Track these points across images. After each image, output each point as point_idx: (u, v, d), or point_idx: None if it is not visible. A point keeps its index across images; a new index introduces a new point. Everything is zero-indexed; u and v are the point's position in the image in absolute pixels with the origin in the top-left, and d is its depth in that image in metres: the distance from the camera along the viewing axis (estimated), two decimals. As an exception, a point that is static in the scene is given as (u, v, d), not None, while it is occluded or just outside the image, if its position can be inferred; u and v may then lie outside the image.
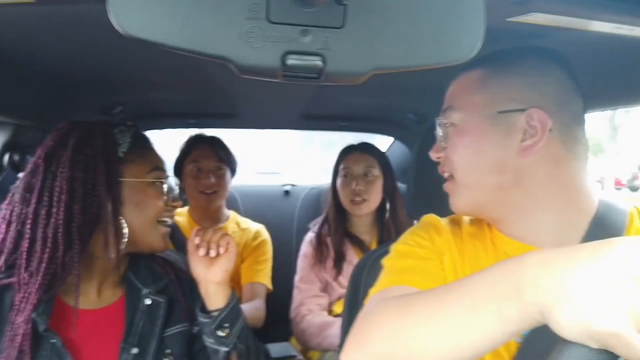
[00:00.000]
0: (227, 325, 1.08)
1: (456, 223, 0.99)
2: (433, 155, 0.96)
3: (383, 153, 2.04)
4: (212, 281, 1.08)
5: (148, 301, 1.07)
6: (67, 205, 0.94)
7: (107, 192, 0.98)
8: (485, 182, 0.86)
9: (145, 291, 1.08)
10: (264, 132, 3.02)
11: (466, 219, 1.00)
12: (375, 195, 1.94)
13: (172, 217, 1.11)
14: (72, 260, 0.94)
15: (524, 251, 0.83)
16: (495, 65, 0.85)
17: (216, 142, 2.06)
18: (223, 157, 2.04)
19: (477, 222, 0.97)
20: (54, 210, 0.94)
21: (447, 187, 0.93)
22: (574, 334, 0.49)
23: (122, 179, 1.02)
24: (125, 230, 1.02)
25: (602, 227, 0.84)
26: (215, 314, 1.07)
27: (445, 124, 0.92)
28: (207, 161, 2.00)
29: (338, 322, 1.75)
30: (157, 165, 1.08)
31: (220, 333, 1.07)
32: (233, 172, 2.11)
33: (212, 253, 1.08)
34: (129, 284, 1.09)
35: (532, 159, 0.82)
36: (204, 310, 1.10)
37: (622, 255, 0.49)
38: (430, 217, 1.01)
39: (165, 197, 1.08)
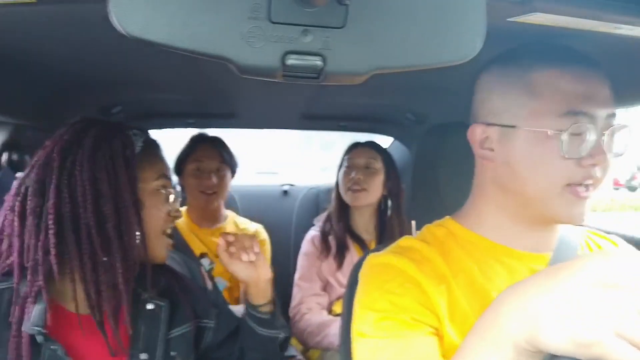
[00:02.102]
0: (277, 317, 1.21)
1: (422, 256, 0.87)
2: (608, 158, 0.80)
3: (388, 152, 2.06)
4: (264, 279, 1.19)
5: (150, 305, 1.05)
6: (95, 206, 0.91)
7: (130, 194, 0.96)
8: None
9: (145, 295, 1.05)
10: (264, 132, 3.03)
11: (419, 245, 0.90)
12: (375, 187, 1.96)
13: (171, 226, 1.10)
14: (114, 261, 0.93)
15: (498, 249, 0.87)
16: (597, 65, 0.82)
17: (219, 143, 2.06)
18: (225, 158, 2.04)
19: (434, 242, 0.91)
20: (81, 210, 0.90)
21: (589, 195, 0.81)
22: (564, 351, 0.51)
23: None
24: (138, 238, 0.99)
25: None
26: (269, 307, 1.20)
27: (618, 129, 0.82)
28: (209, 161, 1.99)
29: (337, 321, 1.75)
30: (164, 173, 1.07)
31: (282, 320, 1.21)
32: (233, 173, 2.11)
33: (246, 258, 1.16)
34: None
35: None
36: (255, 307, 1.20)
37: (586, 268, 0.52)
38: (393, 261, 0.86)
39: (169, 208, 1.06)
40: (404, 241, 0.93)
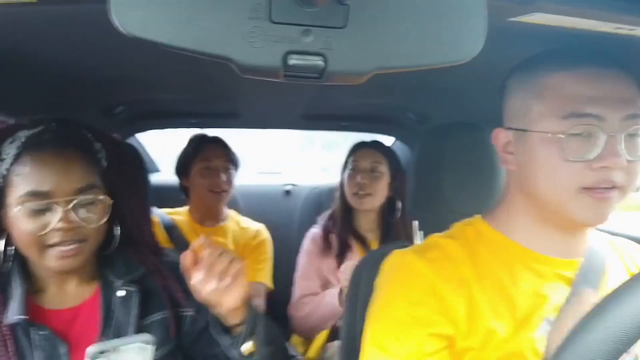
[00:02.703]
0: (251, 337, 1.04)
1: (446, 256, 0.88)
2: (619, 162, 0.77)
3: (393, 152, 2.04)
4: (229, 308, 1.01)
5: (121, 292, 1.05)
6: None
7: None
8: None
9: (118, 283, 1.05)
10: (265, 132, 3.02)
11: (446, 244, 0.90)
12: (380, 191, 1.95)
13: (65, 240, 0.96)
14: None
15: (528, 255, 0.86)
16: (618, 64, 0.80)
17: (224, 142, 2.09)
18: (232, 157, 2.08)
19: (463, 241, 0.90)
20: None
21: (608, 196, 0.79)
22: None
23: (3, 203, 0.96)
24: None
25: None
26: (237, 330, 1.04)
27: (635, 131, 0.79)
28: (218, 160, 2.02)
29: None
30: (32, 190, 0.93)
31: (243, 349, 1.03)
32: (236, 171, 2.14)
33: (222, 284, 0.97)
34: (103, 278, 1.07)
35: None
36: (224, 328, 1.06)
37: None
38: (413, 263, 0.87)
39: (35, 226, 0.94)
40: (431, 238, 0.93)
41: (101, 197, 1.00)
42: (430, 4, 0.49)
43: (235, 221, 2.16)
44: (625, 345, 0.45)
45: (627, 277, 0.89)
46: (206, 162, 2.01)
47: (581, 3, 0.63)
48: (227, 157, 2.05)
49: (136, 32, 0.44)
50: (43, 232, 0.94)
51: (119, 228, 1.08)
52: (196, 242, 1.02)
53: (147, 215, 1.17)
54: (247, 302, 1.05)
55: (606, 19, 0.66)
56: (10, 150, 0.96)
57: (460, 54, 0.50)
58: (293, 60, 0.47)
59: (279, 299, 2.09)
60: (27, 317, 0.94)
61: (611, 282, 0.87)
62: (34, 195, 0.94)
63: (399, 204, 1.99)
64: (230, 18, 0.45)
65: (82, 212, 0.97)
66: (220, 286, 0.98)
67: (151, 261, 1.12)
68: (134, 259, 1.11)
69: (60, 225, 0.94)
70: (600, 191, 0.77)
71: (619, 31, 0.70)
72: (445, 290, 0.82)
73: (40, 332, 0.95)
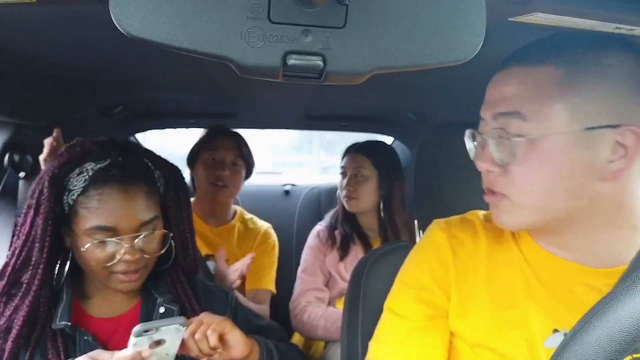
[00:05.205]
0: None
1: (470, 229, 0.89)
2: (483, 166, 0.77)
3: (380, 152, 2.04)
4: (238, 358, 1.04)
5: (162, 309, 1.10)
6: (20, 251, 1.00)
7: (39, 251, 0.98)
8: (555, 207, 0.73)
9: (160, 300, 1.11)
10: (264, 132, 3.03)
11: (478, 216, 0.92)
12: (365, 194, 1.97)
13: (129, 270, 1.03)
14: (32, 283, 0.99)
15: (556, 264, 0.80)
16: (570, 61, 0.71)
17: (238, 137, 2.02)
18: (244, 154, 1.99)
19: (492, 228, 0.88)
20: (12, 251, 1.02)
21: (496, 201, 0.78)
22: None
23: (70, 228, 1.02)
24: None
25: None
26: None
27: (509, 134, 0.73)
28: (225, 152, 1.93)
29: (336, 313, 1.81)
30: (98, 225, 0.99)
31: None
32: (248, 173, 2.06)
33: (206, 346, 0.99)
34: (145, 292, 1.13)
35: (614, 182, 0.71)
36: None
37: None
38: (438, 237, 0.89)
39: (102, 256, 1.00)
40: (472, 214, 0.94)
41: (161, 228, 1.08)
42: (429, 4, 0.49)
43: (242, 220, 2.09)
44: (627, 345, 0.45)
45: None
46: (212, 152, 1.92)
47: (581, 3, 0.63)
48: (236, 152, 1.95)
49: (136, 32, 0.44)
50: (110, 263, 1.01)
51: (169, 250, 1.13)
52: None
53: (194, 239, 1.20)
54: (256, 344, 1.09)
55: (606, 19, 0.65)
56: (78, 182, 1.00)
57: (459, 54, 0.50)
58: (292, 60, 0.47)
59: (279, 298, 2.09)
60: (72, 323, 1.01)
61: None
62: (100, 229, 0.99)
63: (395, 203, 2.00)
64: (230, 18, 0.45)
65: (144, 243, 1.04)
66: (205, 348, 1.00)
67: (183, 288, 1.16)
68: (169, 282, 1.15)
69: (125, 257, 1.01)
70: (486, 193, 0.80)
71: (619, 31, 0.70)
72: (454, 269, 0.86)
73: (85, 338, 1.02)
